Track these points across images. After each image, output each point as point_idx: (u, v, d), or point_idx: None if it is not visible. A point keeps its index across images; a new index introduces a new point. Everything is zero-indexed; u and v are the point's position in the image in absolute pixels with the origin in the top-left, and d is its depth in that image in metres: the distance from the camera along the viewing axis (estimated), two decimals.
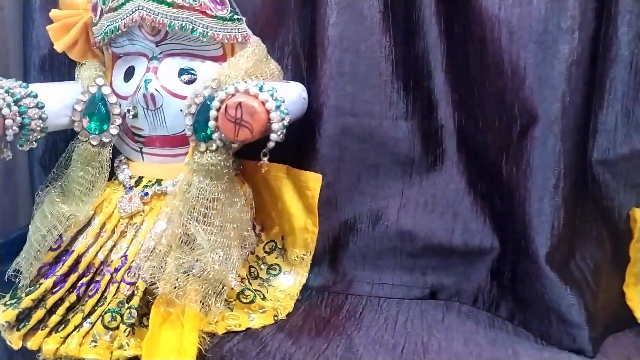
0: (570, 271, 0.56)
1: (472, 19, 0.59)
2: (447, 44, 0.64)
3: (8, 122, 0.52)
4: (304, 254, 0.67)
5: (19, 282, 0.59)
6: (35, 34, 0.73)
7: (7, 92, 0.53)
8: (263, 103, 0.48)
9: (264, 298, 0.61)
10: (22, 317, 0.54)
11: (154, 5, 0.55)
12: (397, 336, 0.56)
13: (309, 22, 0.68)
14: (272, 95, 0.49)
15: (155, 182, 0.61)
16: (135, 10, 0.56)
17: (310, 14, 0.68)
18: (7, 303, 0.56)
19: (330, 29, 0.64)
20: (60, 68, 0.74)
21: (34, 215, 0.62)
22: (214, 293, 0.55)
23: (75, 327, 0.53)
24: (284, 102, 0.50)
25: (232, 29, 0.59)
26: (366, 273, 0.67)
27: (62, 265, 0.57)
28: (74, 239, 0.59)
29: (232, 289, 0.58)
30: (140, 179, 0.62)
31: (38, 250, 0.58)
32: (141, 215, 0.59)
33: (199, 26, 0.57)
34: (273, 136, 0.49)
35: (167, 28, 0.56)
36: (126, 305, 0.53)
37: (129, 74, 0.61)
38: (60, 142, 0.75)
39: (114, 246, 0.58)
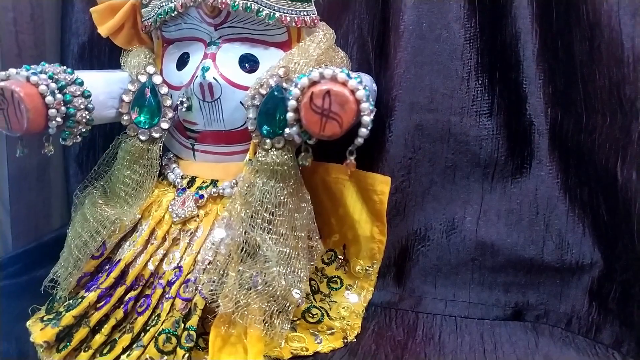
0: None
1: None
2: (540, 30, 0.56)
3: (52, 112, 0.45)
4: (368, 266, 0.61)
5: (55, 293, 0.53)
6: (74, 19, 0.67)
7: (50, 77, 0.46)
8: (353, 92, 0.41)
9: (328, 316, 0.54)
10: (63, 336, 0.48)
11: None
12: None
13: (380, 6, 0.62)
14: (360, 83, 0.42)
15: (211, 183, 0.54)
16: None
17: None
18: (45, 319, 0.50)
19: (408, 13, 0.58)
20: (100, 57, 0.68)
21: (73, 218, 0.56)
22: (279, 312, 0.48)
23: (124, 350, 0.47)
24: (370, 92, 0.43)
25: (300, 11, 0.52)
26: (438, 289, 0.61)
27: (107, 276, 0.50)
28: (118, 246, 0.53)
29: (298, 306, 0.51)
30: (193, 180, 0.55)
31: (79, 258, 0.51)
32: (196, 220, 0.52)
33: (265, 7, 0.50)
34: (362, 131, 0.42)
35: (230, 8, 0.49)
36: (182, 326, 0.46)
37: (182, 61, 0.54)
38: (98, 137, 0.70)
39: (165, 255, 0.51)
